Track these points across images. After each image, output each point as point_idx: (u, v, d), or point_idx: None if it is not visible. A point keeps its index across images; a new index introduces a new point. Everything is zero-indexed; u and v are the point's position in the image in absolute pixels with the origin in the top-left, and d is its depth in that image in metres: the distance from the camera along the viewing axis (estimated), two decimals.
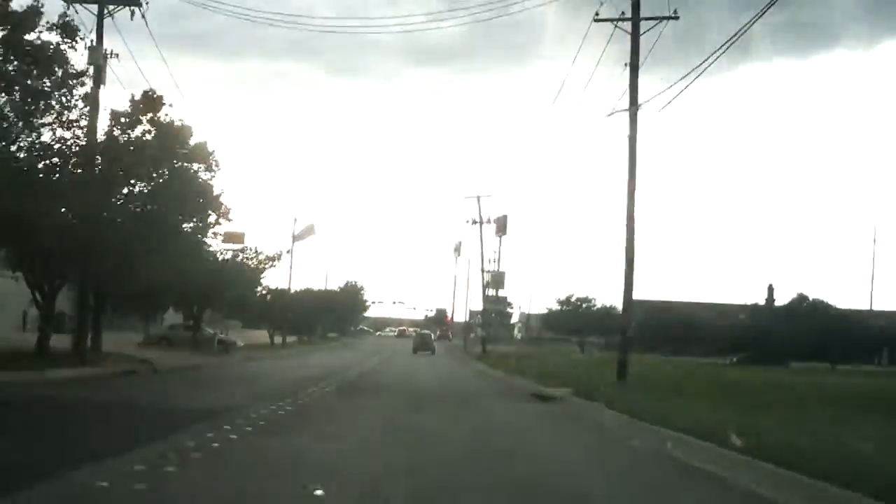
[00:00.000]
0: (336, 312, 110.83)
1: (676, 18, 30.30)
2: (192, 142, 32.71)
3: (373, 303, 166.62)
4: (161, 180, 31.54)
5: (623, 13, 30.60)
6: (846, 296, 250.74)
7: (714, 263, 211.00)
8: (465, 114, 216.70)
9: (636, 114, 30.47)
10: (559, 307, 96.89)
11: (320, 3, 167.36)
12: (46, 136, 28.17)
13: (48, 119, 27.57)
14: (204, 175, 33.17)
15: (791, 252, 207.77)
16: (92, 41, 30.59)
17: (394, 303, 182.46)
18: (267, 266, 54.10)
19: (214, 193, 33.94)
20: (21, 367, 24.81)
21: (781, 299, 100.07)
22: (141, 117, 30.61)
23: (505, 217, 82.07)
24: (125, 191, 31.04)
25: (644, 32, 30.33)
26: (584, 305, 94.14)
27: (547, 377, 33.91)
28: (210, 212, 34.27)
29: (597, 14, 30.94)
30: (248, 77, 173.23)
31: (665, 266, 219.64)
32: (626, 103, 30.36)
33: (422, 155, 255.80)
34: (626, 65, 30.72)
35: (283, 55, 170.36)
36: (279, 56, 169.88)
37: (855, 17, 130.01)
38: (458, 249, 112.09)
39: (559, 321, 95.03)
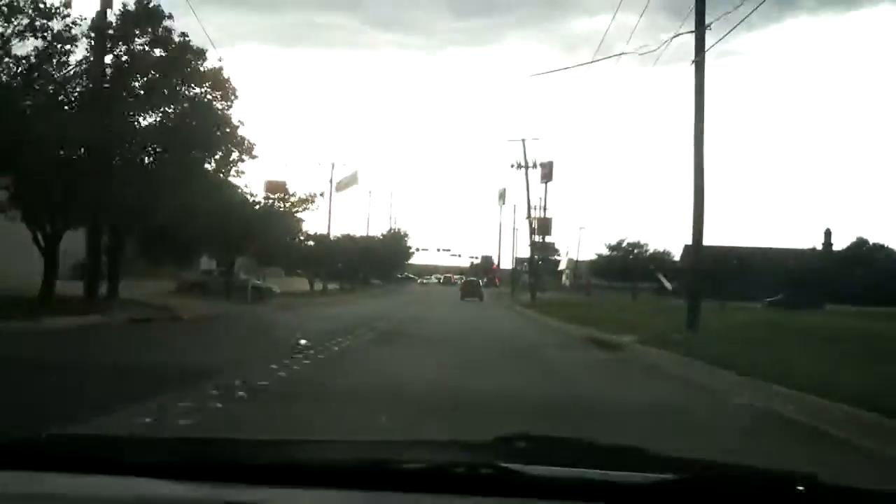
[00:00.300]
0: (379, 259, 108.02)
1: None
2: (206, 67, 29.24)
3: (417, 250, 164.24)
4: (170, 107, 28.34)
5: None
6: None
7: (772, 209, 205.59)
8: (506, 64, 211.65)
9: (703, 36, 26.85)
10: (609, 253, 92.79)
11: None
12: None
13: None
14: (219, 105, 29.77)
15: (849, 198, 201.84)
16: None
17: (438, 250, 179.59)
18: (301, 209, 50.85)
19: (234, 125, 30.58)
20: (17, 315, 21.93)
21: (840, 244, 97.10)
22: (135, 30, 27.31)
23: (551, 163, 78.90)
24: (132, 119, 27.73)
25: None
26: (635, 251, 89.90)
27: (604, 324, 30.93)
28: (231, 147, 30.89)
29: None
30: (285, 30, 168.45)
31: (722, 211, 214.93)
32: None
33: (464, 104, 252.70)
34: None
35: (322, 8, 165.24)
36: (317, 9, 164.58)
37: None
38: (502, 196, 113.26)
39: (609, 267, 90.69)
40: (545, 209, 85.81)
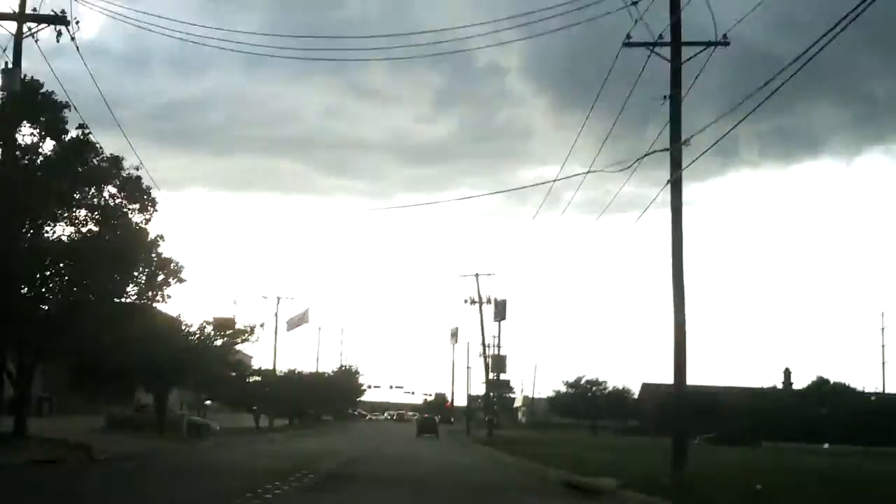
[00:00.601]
0: (331, 396, 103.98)
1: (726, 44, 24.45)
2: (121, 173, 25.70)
3: (369, 387, 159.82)
4: (78, 219, 25.06)
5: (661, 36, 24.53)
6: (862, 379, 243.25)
7: (729, 348, 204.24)
8: (458, 208, 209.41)
9: (680, 154, 24.45)
10: (567, 390, 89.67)
11: (306, 104, 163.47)
12: None
13: None
14: (138, 218, 26.48)
15: (802, 338, 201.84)
16: (7, 63, 24.86)
17: (391, 387, 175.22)
18: (240, 340, 47.06)
19: (154, 241, 27.18)
20: None
21: (799, 383, 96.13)
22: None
23: (504, 302, 77.02)
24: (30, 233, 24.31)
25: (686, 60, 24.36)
26: (593, 388, 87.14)
27: (574, 464, 27.70)
28: (155, 268, 27.33)
29: (628, 37, 24.71)
30: (236, 174, 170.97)
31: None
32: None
33: (416, 244, 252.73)
34: (664, 97, 24.72)
35: (272, 154, 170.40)
36: (268, 154, 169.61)
37: None
38: (455, 335, 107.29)
39: (568, 404, 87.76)
40: (499, 347, 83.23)
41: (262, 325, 53.52)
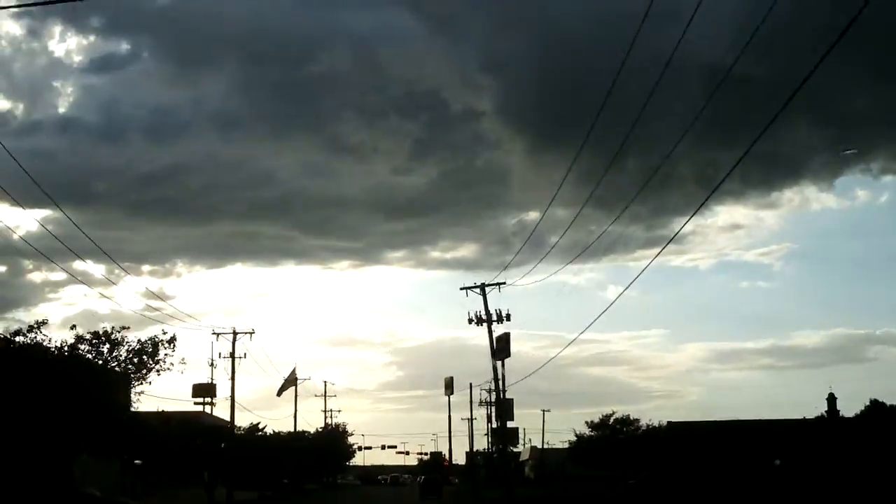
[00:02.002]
0: (315, 460, 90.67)
1: None
2: None
3: (360, 448, 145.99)
4: None
5: None
6: None
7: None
8: (441, 260, 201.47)
9: None
10: (590, 433, 76.33)
11: (284, 166, 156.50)
12: None
13: None
14: None
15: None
16: None
17: (384, 447, 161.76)
18: (149, 363, 34.22)
19: None
20: None
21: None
22: None
23: (507, 335, 63.32)
24: None
25: None
26: (625, 428, 73.86)
27: None
28: None
29: None
30: (216, 240, 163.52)
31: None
32: None
33: (404, 298, 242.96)
34: None
35: (251, 218, 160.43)
36: (247, 219, 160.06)
37: None
38: (450, 386, 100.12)
39: (592, 452, 74.27)
40: (504, 390, 70.65)
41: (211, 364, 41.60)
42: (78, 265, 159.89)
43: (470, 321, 51.73)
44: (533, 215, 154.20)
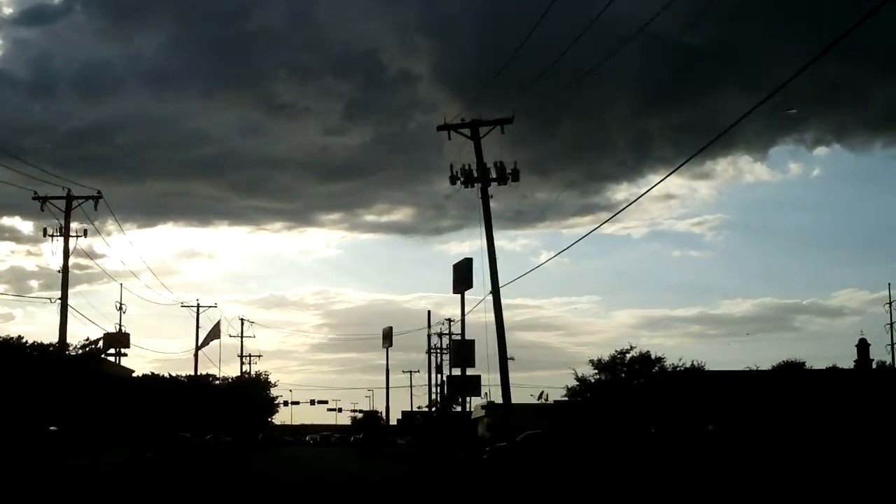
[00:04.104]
0: (228, 412, 73.36)
1: None
2: None
3: (286, 403, 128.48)
4: None
5: None
6: None
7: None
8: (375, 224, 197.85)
9: None
10: (596, 376, 57.22)
11: (217, 125, 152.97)
12: None
13: None
14: None
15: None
16: None
17: (313, 402, 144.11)
18: None
19: None
20: None
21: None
22: None
23: (469, 261, 48.94)
24: None
25: None
26: (644, 369, 55.60)
27: None
28: None
29: None
30: (148, 199, 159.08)
31: None
32: None
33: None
34: None
35: (185, 177, 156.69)
36: (180, 178, 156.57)
37: None
38: (388, 336, 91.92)
39: (592, 404, 56.07)
40: (463, 329, 54.88)
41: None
42: (5, 221, 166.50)
43: (454, 179, 34.07)
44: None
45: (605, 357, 55.46)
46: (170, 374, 66.90)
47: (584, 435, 47.83)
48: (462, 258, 49.97)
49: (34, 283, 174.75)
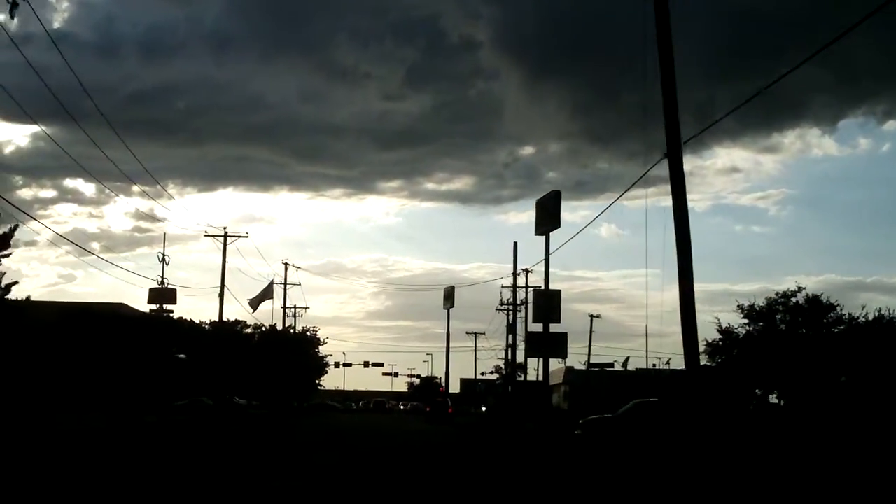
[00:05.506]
0: (261, 370, 61.59)
1: None
2: None
3: (336, 364, 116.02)
4: None
5: None
6: None
7: None
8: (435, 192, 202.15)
9: None
10: (745, 325, 44.01)
11: (276, 90, 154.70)
12: None
13: None
14: None
15: None
16: None
17: (366, 365, 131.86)
18: None
19: None
20: None
21: None
22: None
23: (557, 195, 42.62)
24: None
25: None
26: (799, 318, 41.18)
27: None
28: None
29: None
30: (209, 164, 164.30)
31: None
32: None
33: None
34: None
35: (245, 142, 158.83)
36: (240, 143, 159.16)
37: None
38: (449, 297, 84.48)
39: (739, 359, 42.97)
40: (547, 279, 43.61)
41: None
42: (68, 183, 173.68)
43: None
44: (528, 150, 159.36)
45: (761, 302, 41.98)
46: (191, 320, 56.14)
47: (728, 404, 36.25)
48: (545, 195, 43.40)
49: (96, 245, 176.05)
